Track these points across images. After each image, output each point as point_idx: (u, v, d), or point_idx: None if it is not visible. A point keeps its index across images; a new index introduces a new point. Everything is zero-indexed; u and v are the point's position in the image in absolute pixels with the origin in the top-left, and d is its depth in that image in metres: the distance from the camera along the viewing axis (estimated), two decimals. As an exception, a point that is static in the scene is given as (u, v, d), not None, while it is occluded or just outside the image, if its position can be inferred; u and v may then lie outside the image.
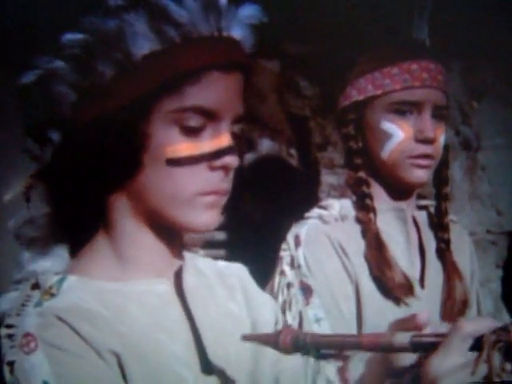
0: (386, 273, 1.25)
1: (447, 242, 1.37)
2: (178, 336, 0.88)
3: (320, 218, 1.30)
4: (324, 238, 1.28)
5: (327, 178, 1.90)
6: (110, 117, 0.81)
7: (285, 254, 1.28)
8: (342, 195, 1.41)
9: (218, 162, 0.84)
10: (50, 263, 0.90)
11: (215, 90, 0.83)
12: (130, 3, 0.82)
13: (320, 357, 0.91)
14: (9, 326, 0.80)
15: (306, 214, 1.32)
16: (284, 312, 1.23)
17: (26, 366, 0.77)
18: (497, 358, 0.69)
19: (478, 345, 0.70)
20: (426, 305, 1.25)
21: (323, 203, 1.35)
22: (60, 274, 0.87)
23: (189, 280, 0.93)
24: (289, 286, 1.26)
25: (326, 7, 1.57)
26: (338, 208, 1.32)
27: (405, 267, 1.27)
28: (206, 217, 0.86)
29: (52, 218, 0.91)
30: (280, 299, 1.24)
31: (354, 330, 1.23)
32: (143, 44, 0.81)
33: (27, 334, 0.78)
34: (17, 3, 1.11)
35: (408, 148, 1.28)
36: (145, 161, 0.83)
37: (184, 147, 0.83)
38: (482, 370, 0.69)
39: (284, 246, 1.29)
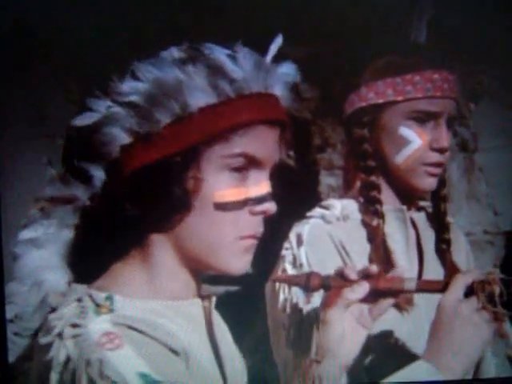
0: None
1: (448, 243, 1.38)
2: (204, 358, 0.92)
3: (322, 217, 1.32)
4: (326, 238, 1.29)
5: (326, 179, 1.91)
6: (161, 162, 0.85)
7: (287, 253, 1.29)
8: (340, 196, 1.42)
9: (259, 208, 0.90)
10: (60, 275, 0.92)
11: (261, 142, 0.89)
12: (190, 57, 0.86)
13: None
14: (75, 326, 0.82)
15: (308, 214, 1.34)
16: (285, 310, 1.24)
17: (115, 361, 0.78)
18: (483, 300, 1.01)
19: (469, 290, 1.02)
20: (424, 306, 1.26)
21: (325, 203, 1.36)
22: (104, 291, 0.88)
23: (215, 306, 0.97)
24: (290, 284, 1.27)
25: (326, 10, 1.58)
26: (340, 208, 1.33)
27: (403, 267, 1.28)
28: (241, 261, 0.91)
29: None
30: (281, 297, 1.25)
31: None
32: (200, 97, 0.85)
33: (108, 333, 0.80)
34: (69, 43, 1.11)
35: (423, 156, 1.29)
36: (194, 205, 0.87)
37: (231, 192, 0.88)
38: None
39: (286, 244, 1.31)
